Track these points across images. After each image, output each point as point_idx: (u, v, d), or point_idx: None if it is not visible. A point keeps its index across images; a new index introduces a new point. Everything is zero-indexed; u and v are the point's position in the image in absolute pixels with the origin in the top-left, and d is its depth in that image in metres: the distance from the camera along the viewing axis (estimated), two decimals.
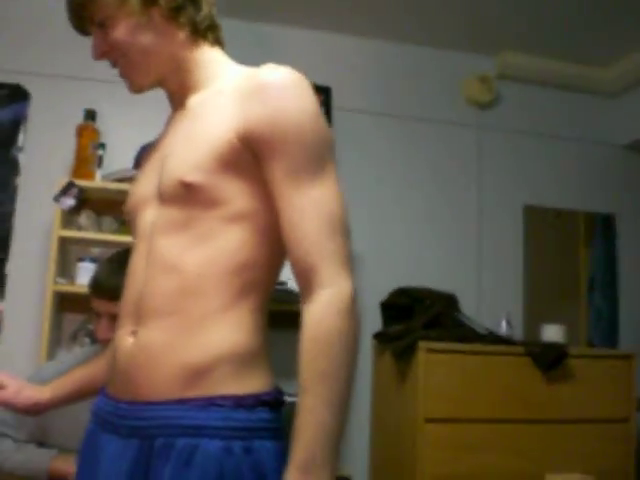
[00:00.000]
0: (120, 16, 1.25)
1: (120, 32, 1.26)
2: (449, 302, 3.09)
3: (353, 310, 1.12)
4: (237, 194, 1.18)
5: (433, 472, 2.76)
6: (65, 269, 3.05)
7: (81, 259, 2.95)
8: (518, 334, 3.44)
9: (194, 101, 1.29)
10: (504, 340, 3.06)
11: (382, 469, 3.17)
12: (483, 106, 3.73)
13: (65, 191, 2.87)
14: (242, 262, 1.18)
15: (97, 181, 3.01)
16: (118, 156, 3.12)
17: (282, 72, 1.17)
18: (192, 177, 1.16)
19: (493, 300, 3.55)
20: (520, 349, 2.96)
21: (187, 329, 1.16)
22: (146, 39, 1.27)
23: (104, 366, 1.48)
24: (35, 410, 1.52)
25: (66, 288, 2.92)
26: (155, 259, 1.21)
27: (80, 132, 3.07)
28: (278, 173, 1.15)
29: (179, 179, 1.18)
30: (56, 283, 2.89)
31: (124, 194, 2.89)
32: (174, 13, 1.27)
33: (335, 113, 3.40)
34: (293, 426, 1.08)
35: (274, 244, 1.20)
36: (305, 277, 1.13)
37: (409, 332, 2.91)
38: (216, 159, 1.16)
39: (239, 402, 1.13)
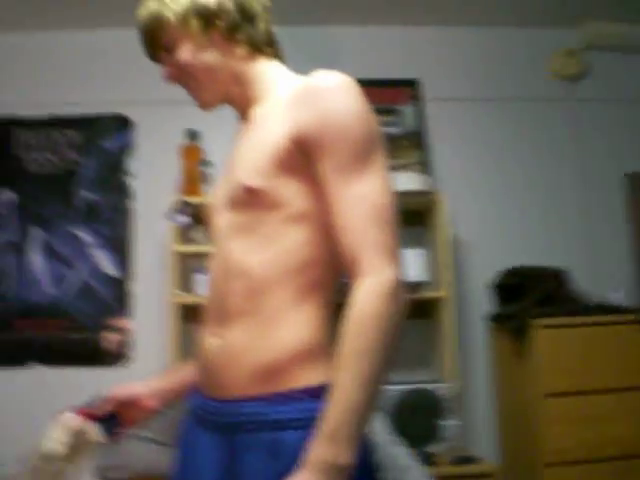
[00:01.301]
0: (183, 39, 1.39)
1: (184, 54, 1.39)
2: (559, 277, 3.10)
3: (395, 295, 1.15)
4: (296, 195, 1.25)
5: (558, 447, 2.78)
6: (184, 282, 3.20)
7: (197, 271, 3.10)
8: (632, 302, 3.40)
9: (257, 113, 1.38)
10: (616, 309, 3.04)
11: (509, 447, 3.20)
12: (573, 79, 3.69)
13: (178, 209, 3.03)
14: (305, 261, 1.25)
15: (206, 197, 3.15)
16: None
17: (328, 76, 1.25)
18: (253, 181, 1.25)
19: (603, 271, 3.51)
20: (632, 317, 2.95)
21: (260, 328, 1.24)
22: (208, 58, 1.39)
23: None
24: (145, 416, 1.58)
25: (187, 299, 3.08)
26: (226, 262, 1.30)
27: (185, 152, 3.23)
28: (327, 170, 1.21)
29: (242, 184, 1.26)
30: (177, 295, 3.05)
31: None
32: (232, 32, 1.39)
33: (427, 104, 3.45)
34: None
35: (334, 241, 1.25)
36: (349, 267, 1.19)
37: (523, 311, 2.94)
38: (273, 163, 1.24)
39: (313, 393, 1.20)
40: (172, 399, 1.60)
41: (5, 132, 3.48)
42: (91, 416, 1.45)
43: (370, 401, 1.13)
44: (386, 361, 1.14)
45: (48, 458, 1.30)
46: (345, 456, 1.09)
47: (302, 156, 1.24)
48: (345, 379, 1.11)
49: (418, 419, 2.90)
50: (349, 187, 1.19)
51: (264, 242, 1.26)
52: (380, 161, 1.23)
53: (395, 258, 1.18)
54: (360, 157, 1.20)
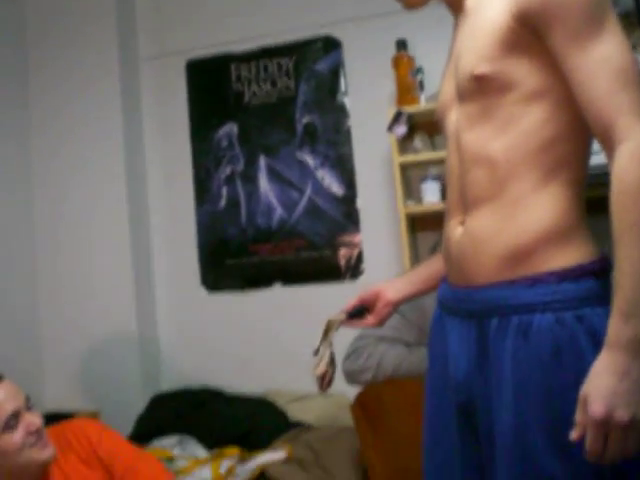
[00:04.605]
0: None
1: None
2: None
3: None
4: (527, 74, 1.20)
5: None
6: (409, 192, 3.25)
7: (423, 179, 3.13)
8: None
9: (469, 4, 1.34)
10: None
11: None
12: None
13: (395, 120, 3.04)
14: (547, 139, 1.21)
15: (422, 104, 3.13)
16: (438, 76, 3.21)
17: None
18: (481, 69, 1.22)
19: None
20: None
21: (506, 213, 1.23)
22: None
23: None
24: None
25: (415, 209, 3.12)
26: (465, 153, 1.29)
27: (396, 63, 3.22)
28: (559, 41, 1.15)
29: (470, 73, 1.24)
30: (406, 206, 3.10)
31: None
32: None
33: None
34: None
35: (577, 115, 1.19)
36: (604, 136, 1.13)
37: None
38: (498, 46, 1.21)
39: (564, 275, 1.18)
40: (416, 293, 1.64)
41: (225, 68, 3.66)
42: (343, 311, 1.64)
43: None
44: None
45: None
46: None
47: (528, 33, 1.19)
48: (626, 252, 1.07)
49: None
50: (587, 53, 1.13)
51: (503, 126, 1.24)
52: (613, 21, 1.15)
53: None
54: (592, 20, 1.14)
